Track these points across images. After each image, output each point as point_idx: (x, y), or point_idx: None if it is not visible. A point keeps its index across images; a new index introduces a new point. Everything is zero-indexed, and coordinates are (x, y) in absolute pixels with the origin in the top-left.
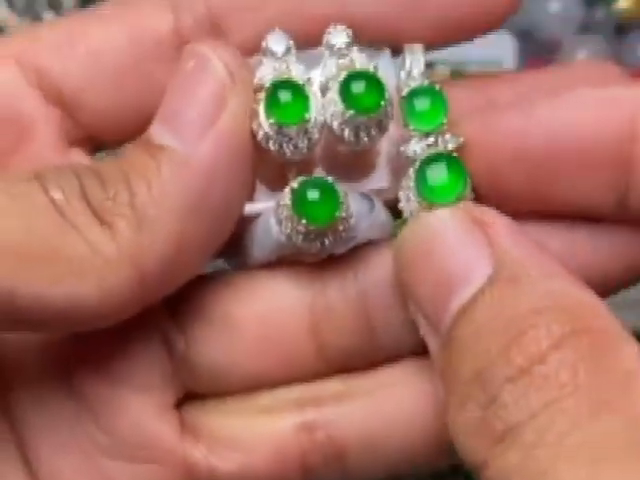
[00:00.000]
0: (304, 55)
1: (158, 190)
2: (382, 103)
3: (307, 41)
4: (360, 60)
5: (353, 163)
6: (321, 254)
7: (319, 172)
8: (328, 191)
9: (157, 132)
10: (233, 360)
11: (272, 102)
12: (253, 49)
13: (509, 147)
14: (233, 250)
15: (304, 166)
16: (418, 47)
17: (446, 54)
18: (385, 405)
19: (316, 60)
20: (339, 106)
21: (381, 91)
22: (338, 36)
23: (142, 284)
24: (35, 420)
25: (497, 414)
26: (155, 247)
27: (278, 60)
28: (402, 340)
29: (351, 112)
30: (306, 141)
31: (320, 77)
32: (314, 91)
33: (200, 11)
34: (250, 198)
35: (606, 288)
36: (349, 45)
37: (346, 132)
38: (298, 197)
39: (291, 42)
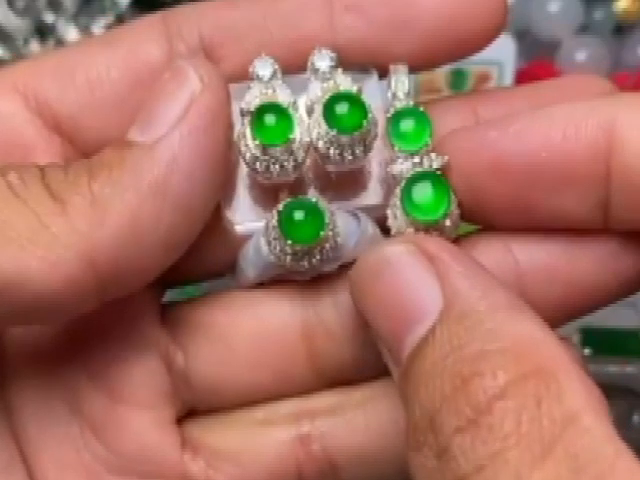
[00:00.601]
0: (290, 80)
1: (118, 175)
2: (364, 123)
3: (296, 63)
4: (344, 83)
5: (344, 182)
6: (311, 272)
7: (312, 192)
8: (312, 211)
9: (130, 133)
10: (230, 375)
11: (258, 124)
12: (244, 76)
13: (487, 162)
14: (233, 270)
15: (296, 187)
16: (403, 68)
17: None
18: (378, 417)
19: (302, 84)
20: (323, 126)
21: (363, 111)
22: (322, 59)
23: (92, 264)
24: (40, 439)
25: (449, 466)
26: (107, 225)
27: (265, 84)
28: None
29: (334, 132)
30: (292, 161)
31: (306, 100)
32: (300, 114)
33: (193, 40)
34: (223, 203)
35: (594, 301)
36: (333, 68)
37: (331, 151)
38: (284, 218)
39: (277, 66)
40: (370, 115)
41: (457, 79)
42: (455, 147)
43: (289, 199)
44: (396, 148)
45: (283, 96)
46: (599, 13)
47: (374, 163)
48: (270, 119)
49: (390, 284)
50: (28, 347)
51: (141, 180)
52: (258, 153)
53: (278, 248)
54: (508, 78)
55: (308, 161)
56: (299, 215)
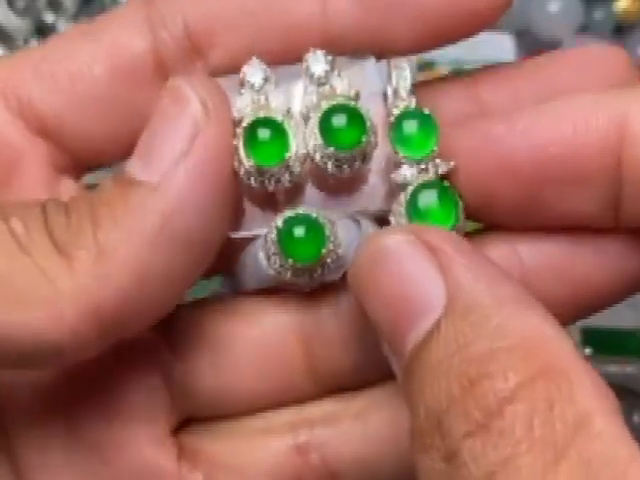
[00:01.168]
0: (282, 71)
1: (123, 221)
2: (363, 138)
3: (289, 51)
4: (341, 87)
5: (344, 182)
6: (312, 285)
7: (310, 191)
8: (313, 228)
9: (131, 168)
10: (228, 385)
11: (251, 143)
12: (234, 66)
13: (493, 161)
14: (228, 274)
15: (294, 188)
16: (405, 63)
17: (446, 54)
18: (377, 424)
19: (295, 76)
20: (320, 141)
21: (362, 126)
22: (317, 63)
23: (97, 317)
24: (36, 459)
25: (459, 472)
26: (113, 278)
27: (257, 91)
28: None
29: (331, 149)
30: (288, 175)
31: (301, 107)
32: (295, 122)
33: (178, 30)
34: (232, 228)
35: (600, 300)
36: (329, 73)
37: (329, 165)
38: (283, 236)
39: (268, 71)
40: (369, 126)
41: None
42: (459, 146)
43: (288, 213)
44: (401, 154)
45: (276, 104)
46: (599, 13)
47: (374, 160)
48: (264, 136)
49: (390, 275)
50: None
51: (148, 225)
52: (252, 171)
53: (278, 264)
54: None
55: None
56: (299, 232)
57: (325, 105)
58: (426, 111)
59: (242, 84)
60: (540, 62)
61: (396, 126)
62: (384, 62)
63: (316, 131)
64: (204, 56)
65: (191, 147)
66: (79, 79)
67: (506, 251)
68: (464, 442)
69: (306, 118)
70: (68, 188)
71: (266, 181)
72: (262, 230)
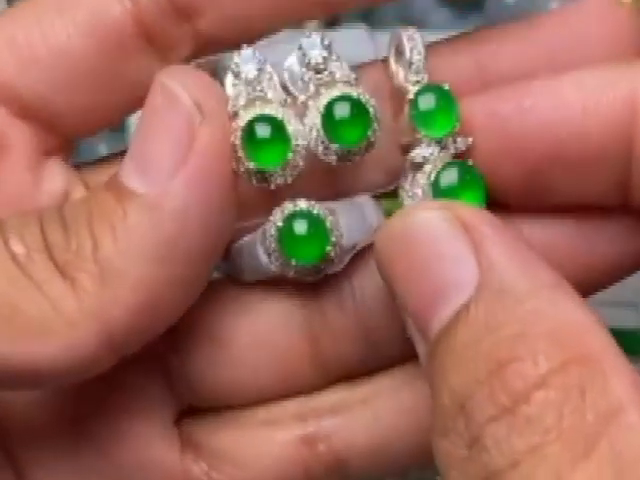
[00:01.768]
0: (274, 49)
1: (123, 239)
2: (369, 132)
3: (284, 15)
4: (340, 72)
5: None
6: (315, 277)
7: (307, 177)
8: (315, 225)
9: (125, 174)
10: (229, 375)
11: (250, 144)
12: (221, 34)
13: (498, 141)
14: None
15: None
16: (417, 34)
17: None
18: (384, 413)
19: (287, 52)
20: (322, 136)
21: (367, 119)
22: (313, 48)
23: (109, 340)
24: (36, 457)
25: (480, 458)
26: (121, 301)
27: (250, 82)
28: (401, 347)
29: (336, 146)
30: (290, 171)
31: (300, 96)
32: (294, 112)
33: None
34: (234, 235)
35: (608, 279)
36: (327, 59)
37: (332, 158)
38: (284, 236)
39: (262, 58)
40: (373, 116)
41: None
42: (466, 124)
43: (287, 209)
44: (422, 133)
45: (273, 94)
46: None
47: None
48: (264, 135)
49: (421, 253)
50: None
51: (150, 243)
52: (253, 171)
53: (280, 262)
54: None
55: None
56: (301, 230)
57: (325, 97)
58: (445, 86)
59: (235, 75)
60: (540, 21)
61: (416, 103)
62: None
63: (319, 127)
64: (190, 19)
65: (188, 153)
66: (59, 54)
67: None
68: (488, 427)
69: (305, 106)
70: (56, 171)
71: (267, 179)
72: (260, 219)
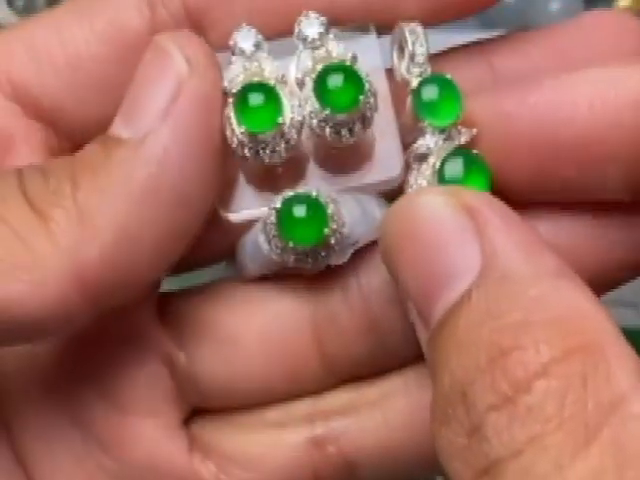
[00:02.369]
0: (277, 44)
1: (103, 179)
2: (361, 98)
3: (290, 28)
4: (337, 50)
5: (348, 153)
6: (318, 267)
7: (311, 167)
8: (314, 207)
9: (115, 127)
10: (236, 375)
11: (242, 108)
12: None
13: (502, 137)
14: (231, 260)
15: (294, 163)
16: (420, 27)
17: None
18: (394, 414)
19: (291, 49)
20: (315, 104)
21: (359, 85)
22: (311, 26)
23: (83, 283)
24: (41, 451)
25: (481, 447)
26: (95, 239)
27: (248, 58)
28: (409, 345)
29: (327, 111)
30: (283, 144)
31: (295, 72)
32: (290, 89)
33: (176, 7)
34: (232, 210)
35: (620, 277)
36: (323, 35)
37: (326, 130)
38: (283, 218)
39: (260, 37)
40: (367, 86)
41: None
42: (470, 120)
43: (286, 194)
44: (426, 122)
45: (269, 70)
46: None
47: (377, 130)
48: (256, 102)
49: (424, 239)
50: (24, 359)
51: (130, 184)
52: (245, 140)
53: (279, 247)
54: None
55: (304, 134)
56: (299, 212)
57: (320, 67)
58: (448, 76)
59: (233, 52)
60: (554, 30)
61: (419, 93)
62: (384, 37)
63: (311, 94)
64: (204, 34)
65: (175, 102)
66: (76, 61)
67: None
68: (488, 415)
69: (301, 84)
70: None
71: (260, 151)
72: (262, 211)
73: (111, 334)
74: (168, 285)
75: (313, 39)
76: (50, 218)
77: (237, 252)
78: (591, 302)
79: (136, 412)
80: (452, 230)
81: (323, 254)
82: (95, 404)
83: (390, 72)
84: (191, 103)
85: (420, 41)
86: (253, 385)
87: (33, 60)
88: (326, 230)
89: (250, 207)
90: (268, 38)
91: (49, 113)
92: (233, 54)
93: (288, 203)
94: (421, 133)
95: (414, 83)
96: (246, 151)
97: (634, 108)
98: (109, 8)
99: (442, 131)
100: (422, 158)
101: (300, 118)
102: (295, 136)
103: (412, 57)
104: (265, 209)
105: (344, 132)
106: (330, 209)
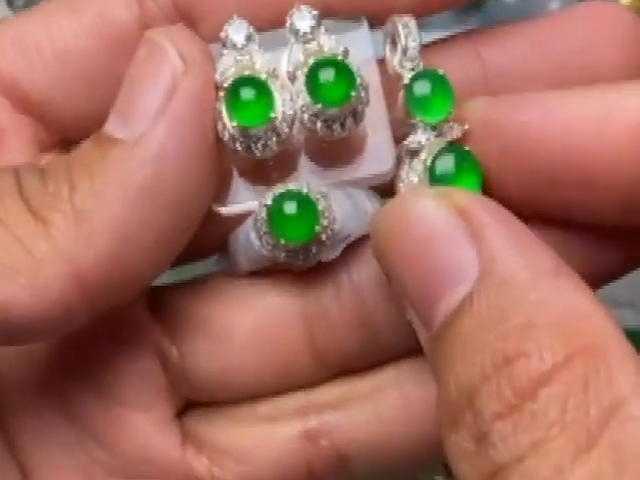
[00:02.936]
0: (269, 35)
1: (100, 181)
2: (352, 93)
3: (282, 20)
4: (328, 43)
5: (339, 148)
6: (309, 263)
7: (302, 161)
8: (304, 205)
9: (109, 126)
10: (229, 369)
11: (234, 103)
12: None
13: (494, 151)
14: (223, 255)
15: (285, 156)
16: (412, 21)
17: None
18: (386, 407)
19: (283, 40)
20: (307, 99)
21: (350, 80)
22: (302, 19)
23: (80, 284)
24: (35, 445)
25: (487, 452)
26: (93, 241)
27: (239, 51)
28: (400, 338)
29: (319, 106)
30: (275, 138)
31: (287, 66)
32: (281, 83)
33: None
34: (223, 204)
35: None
36: (315, 29)
37: (318, 125)
38: (273, 215)
39: (252, 29)
40: (359, 81)
41: None
42: (476, 128)
43: (278, 190)
44: (417, 118)
45: (261, 64)
46: None
47: (369, 124)
48: (247, 96)
49: (419, 240)
50: (17, 356)
51: (127, 186)
52: (237, 134)
53: (270, 244)
54: None
55: (295, 127)
56: (289, 210)
57: (312, 61)
58: (440, 72)
59: (224, 44)
60: (543, 22)
61: (411, 88)
62: (376, 29)
63: (303, 88)
64: (194, 27)
65: (170, 101)
66: (65, 55)
67: None
68: (494, 424)
69: (293, 78)
70: None
71: (252, 145)
72: (253, 204)
73: (103, 329)
74: (159, 279)
75: (305, 32)
76: (48, 221)
77: (229, 246)
78: (590, 300)
79: (129, 406)
80: (447, 235)
81: (314, 251)
82: (88, 399)
83: (382, 64)
84: (186, 101)
85: (413, 35)
86: (246, 379)
87: (22, 54)
88: (317, 227)
89: (241, 201)
90: (259, 30)
91: (38, 107)
92: (224, 47)
93: (279, 200)
94: (413, 129)
95: (406, 79)
96: (237, 145)
97: (631, 133)
98: (98, 1)
99: (434, 127)
100: (414, 153)
101: (292, 112)
102: (287, 130)
103: (405, 51)
104: (256, 203)
105: (335, 126)
106: (321, 205)
